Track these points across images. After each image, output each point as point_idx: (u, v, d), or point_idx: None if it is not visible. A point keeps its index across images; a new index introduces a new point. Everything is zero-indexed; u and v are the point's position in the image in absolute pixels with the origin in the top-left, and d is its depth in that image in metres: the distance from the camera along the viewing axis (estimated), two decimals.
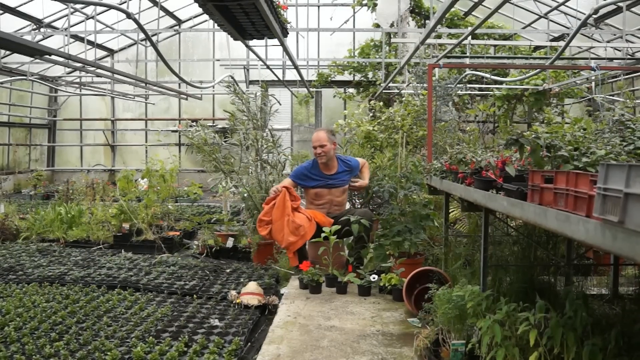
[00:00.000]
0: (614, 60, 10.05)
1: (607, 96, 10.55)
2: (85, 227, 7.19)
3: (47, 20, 11.45)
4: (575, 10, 9.90)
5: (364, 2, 13.11)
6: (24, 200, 11.20)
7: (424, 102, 7.11)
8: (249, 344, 3.65)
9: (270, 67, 11.60)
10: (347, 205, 5.90)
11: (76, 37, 11.75)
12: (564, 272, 3.42)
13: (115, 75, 10.10)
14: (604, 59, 10.29)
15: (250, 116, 6.46)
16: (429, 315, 3.42)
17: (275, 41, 6.54)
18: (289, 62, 9.79)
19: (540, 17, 11.10)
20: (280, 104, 8.21)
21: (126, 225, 6.87)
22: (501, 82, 10.64)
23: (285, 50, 7.44)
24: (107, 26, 12.41)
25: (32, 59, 9.60)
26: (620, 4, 8.26)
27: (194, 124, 10.32)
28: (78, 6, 10.56)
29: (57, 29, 11.57)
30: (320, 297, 4.53)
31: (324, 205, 5.47)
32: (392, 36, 12.24)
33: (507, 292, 3.14)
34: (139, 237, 6.70)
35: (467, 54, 9.10)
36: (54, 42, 12.24)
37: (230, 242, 6.28)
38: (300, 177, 5.52)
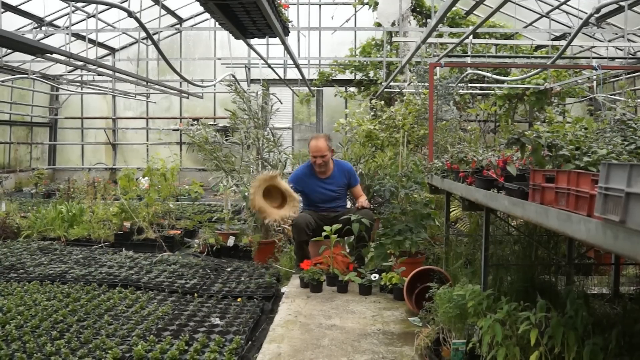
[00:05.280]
0: (616, 60, 10.04)
1: (609, 95, 10.53)
2: (86, 225, 7.20)
3: (48, 19, 11.46)
4: (576, 9, 9.88)
5: (365, 1, 13.10)
6: (25, 198, 11.20)
7: (425, 101, 7.10)
8: (250, 342, 3.66)
9: (272, 65, 11.59)
10: (348, 205, 5.90)
11: (77, 36, 11.75)
12: (565, 271, 3.41)
13: (117, 74, 10.10)
14: (605, 58, 10.28)
15: (251, 115, 6.46)
16: (430, 315, 3.42)
17: (277, 40, 6.53)
18: (290, 61, 9.79)
19: (542, 16, 11.08)
20: (281, 103, 8.20)
21: (127, 224, 6.88)
22: (502, 82, 10.63)
23: (287, 49, 7.43)
24: (109, 25, 12.40)
25: (33, 57, 9.58)
26: (622, 4, 8.25)
27: (195, 122, 10.33)
28: (79, 4, 10.57)
29: (58, 27, 11.58)
30: (321, 295, 4.53)
31: (323, 210, 5.45)
32: (393, 35, 12.24)
33: (508, 292, 3.14)
34: (139, 235, 6.71)
35: (469, 53, 9.09)
36: (56, 40, 12.24)
37: (231, 241, 6.28)
38: (298, 182, 5.52)
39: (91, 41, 10.20)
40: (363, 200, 5.38)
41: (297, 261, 5.29)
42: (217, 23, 5.58)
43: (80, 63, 8.84)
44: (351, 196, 5.91)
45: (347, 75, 14.45)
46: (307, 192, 5.51)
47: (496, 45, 11.47)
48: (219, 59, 13.59)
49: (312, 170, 5.50)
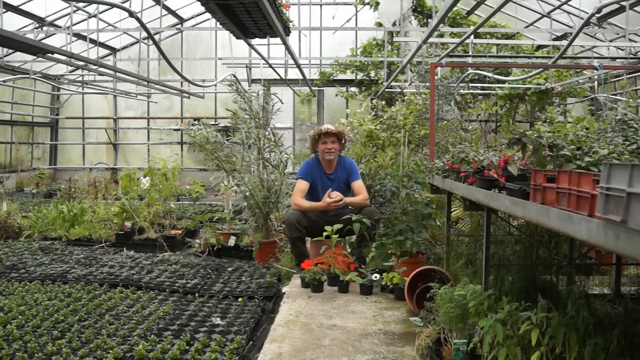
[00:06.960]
0: (617, 60, 10.04)
1: (610, 95, 10.53)
2: (88, 225, 7.20)
3: (49, 19, 11.48)
4: (578, 9, 9.89)
5: (366, 0, 13.10)
6: (26, 198, 11.22)
7: (426, 101, 7.10)
8: (251, 342, 3.66)
9: (273, 65, 11.60)
10: None
11: (79, 36, 11.76)
12: (566, 271, 3.41)
13: (118, 74, 10.12)
14: (606, 58, 10.28)
15: (252, 115, 6.46)
16: (431, 315, 3.42)
17: (278, 40, 6.54)
18: (291, 61, 9.79)
19: (543, 16, 11.08)
20: (282, 103, 8.21)
21: (128, 224, 6.88)
22: (503, 81, 10.63)
23: (288, 48, 7.43)
24: (110, 25, 12.43)
25: (34, 57, 9.61)
26: (623, 3, 8.25)
27: (196, 122, 10.34)
28: (80, 5, 10.59)
29: (59, 27, 11.59)
30: (322, 295, 4.53)
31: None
32: (394, 35, 12.23)
33: (509, 292, 3.14)
34: (141, 235, 6.71)
35: (470, 53, 9.09)
36: (57, 40, 12.27)
37: (232, 241, 6.28)
38: (309, 175, 5.42)
39: (92, 41, 10.22)
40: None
41: (295, 260, 5.28)
42: (218, 23, 5.58)
43: (81, 63, 8.86)
44: (353, 195, 5.89)
45: (348, 75, 14.46)
46: (315, 184, 5.43)
47: (497, 45, 11.48)
48: (220, 58, 13.61)
49: (318, 162, 5.48)
